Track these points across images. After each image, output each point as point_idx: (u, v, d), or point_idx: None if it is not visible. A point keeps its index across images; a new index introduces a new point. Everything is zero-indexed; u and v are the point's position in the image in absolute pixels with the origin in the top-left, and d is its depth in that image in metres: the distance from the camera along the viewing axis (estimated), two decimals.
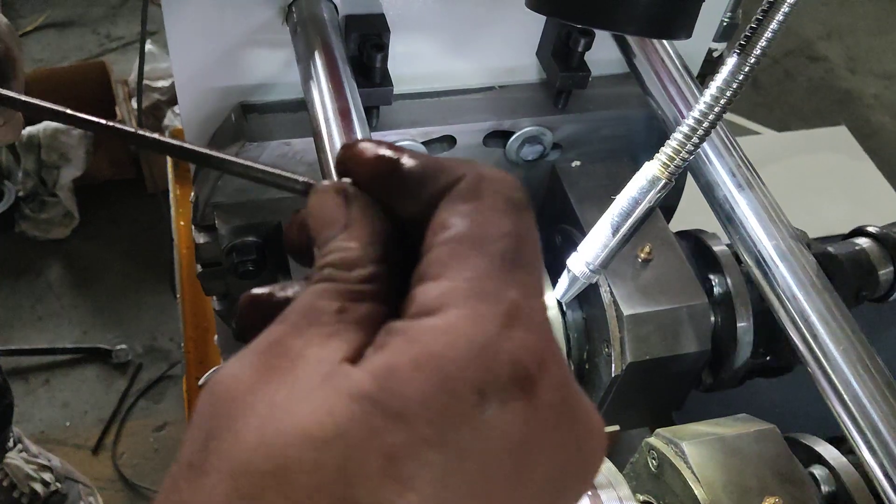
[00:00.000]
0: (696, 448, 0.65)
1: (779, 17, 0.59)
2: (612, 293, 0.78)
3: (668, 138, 0.66)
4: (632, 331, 0.77)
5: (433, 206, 0.29)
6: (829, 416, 0.65)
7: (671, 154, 0.65)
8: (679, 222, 0.97)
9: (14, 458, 1.59)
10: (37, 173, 2.18)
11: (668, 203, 0.97)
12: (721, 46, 1.07)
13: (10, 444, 1.58)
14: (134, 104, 2.06)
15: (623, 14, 0.65)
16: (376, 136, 0.84)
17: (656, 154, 0.67)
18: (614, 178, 0.89)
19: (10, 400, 1.48)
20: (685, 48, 0.87)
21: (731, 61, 0.62)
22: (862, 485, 0.68)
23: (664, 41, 0.87)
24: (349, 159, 0.32)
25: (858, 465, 0.67)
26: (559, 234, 0.88)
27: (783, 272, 0.70)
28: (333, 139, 0.69)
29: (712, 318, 0.82)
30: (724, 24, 1.05)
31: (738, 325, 0.81)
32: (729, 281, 0.82)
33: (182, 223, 1.42)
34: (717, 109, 0.63)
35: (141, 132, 0.34)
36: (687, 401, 0.88)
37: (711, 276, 0.84)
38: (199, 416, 0.26)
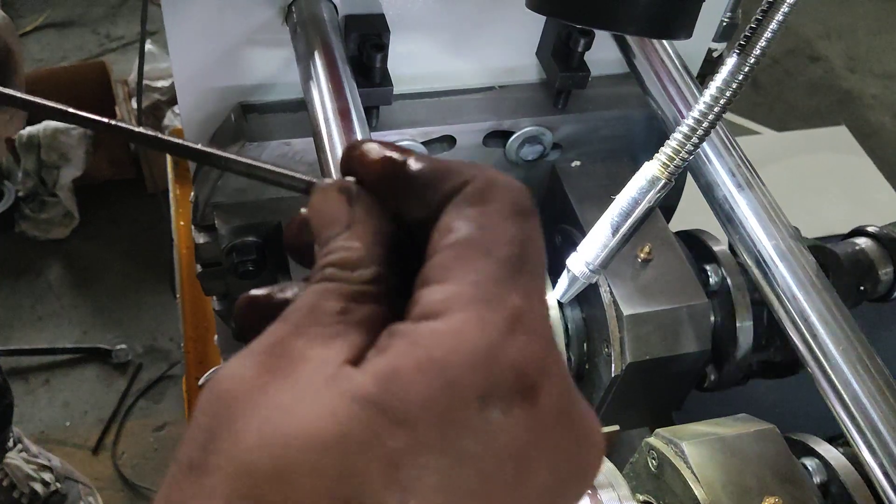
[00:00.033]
0: (695, 448, 0.65)
1: (778, 16, 0.59)
2: (611, 293, 0.78)
3: (668, 138, 0.66)
4: (632, 331, 0.77)
5: (439, 209, 0.29)
6: (829, 416, 0.65)
7: (671, 154, 0.65)
8: (679, 222, 0.97)
9: (14, 458, 1.59)
10: (37, 173, 2.18)
11: (668, 203, 0.97)
12: (721, 46, 1.07)
13: (10, 444, 1.58)
14: (134, 104, 2.06)
15: (623, 14, 0.65)
16: (376, 136, 0.84)
17: (656, 154, 0.67)
18: (614, 178, 0.89)
19: (10, 400, 1.48)
20: (685, 48, 0.87)
21: (730, 61, 0.62)
22: (862, 485, 0.68)
23: (664, 41, 0.87)
24: (354, 160, 0.32)
25: (858, 464, 0.67)
26: (559, 234, 0.88)
27: (783, 272, 0.70)
28: (333, 139, 0.69)
29: (712, 318, 0.82)
30: (724, 24, 1.05)
31: (737, 314, 0.81)
32: (724, 270, 0.83)
33: (182, 223, 1.42)
34: (716, 109, 0.63)
35: (144, 131, 0.34)
36: (687, 401, 0.88)
37: (707, 267, 0.84)
38: (200, 416, 0.26)
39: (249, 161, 0.34)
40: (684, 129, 0.65)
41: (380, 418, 0.24)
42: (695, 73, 0.99)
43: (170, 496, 0.25)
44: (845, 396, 0.63)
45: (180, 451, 0.26)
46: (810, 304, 0.68)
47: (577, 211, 0.87)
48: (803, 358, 0.67)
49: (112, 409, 1.93)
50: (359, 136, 0.69)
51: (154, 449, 1.89)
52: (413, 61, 0.88)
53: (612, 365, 0.77)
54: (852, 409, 0.62)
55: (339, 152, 0.68)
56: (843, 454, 0.70)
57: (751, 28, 0.60)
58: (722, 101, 0.62)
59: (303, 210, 0.33)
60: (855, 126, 2.40)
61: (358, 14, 0.82)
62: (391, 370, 0.25)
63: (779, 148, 2.17)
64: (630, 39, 0.89)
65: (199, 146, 0.34)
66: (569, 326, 0.83)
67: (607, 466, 0.68)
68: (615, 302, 0.78)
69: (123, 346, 2.03)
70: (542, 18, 0.89)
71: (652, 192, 0.67)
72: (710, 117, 0.63)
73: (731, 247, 0.83)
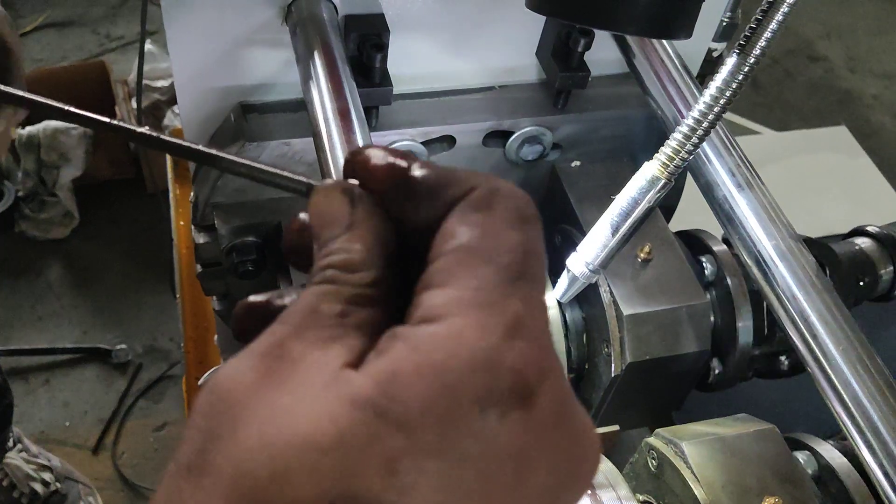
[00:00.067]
0: (695, 448, 0.65)
1: (778, 16, 0.59)
2: (611, 293, 0.78)
3: (668, 138, 0.66)
4: (631, 331, 0.77)
5: (442, 216, 0.29)
6: (829, 416, 0.65)
7: (671, 154, 0.65)
8: (679, 222, 0.97)
9: (14, 458, 1.59)
10: (36, 173, 2.18)
11: (667, 203, 0.97)
12: (721, 46, 1.07)
13: (10, 443, 1.58)
14: (134, 104, 2.06)
15: (623, 14, 0.65)
16: (376, 136, 0.84)
17: (656, 154, 0.67)
18: (614, 178, 0.89)
19: (10, 400, 1.48)
20: (685, 48, 0.87)
21: (730, 61, 0.62)
22: (862, 484, 0.68)
23: (664, 41, 0.87)
24: (357, 165, 0.31)
25: (858, 464, 0.67)
26: (559, 234, 0.88)
27: (783, 272, 0.70)
28: (333, 139, 0.69)
29: (711, 316, 0.82)
30: (724, 23, 1.05)
31: (735, 301, 0.81)
32: (718, 260, 0.83)
33: (182, 223, 1.42)
34: (716, 109, 0.63)
35: (144, 131, 0.34)
36: (687, 401, 0.88)
37: (703, 258, 0.84)
38: (199, 417, 0.26)
39: (250, 163, 0.34)
40: (684, 129, 0.65)
41: (378, 421, 0.24)
42: (695, 73, 0.99)
43: (168, 497, 0.25)
44: (845, 396, 0.63)
45: (179, 451, 0.26)
46: (810, 304, 0.68)
47: (576, 211, 0.87)
48: (803, 358, 0.67)
49: (112, 409, 1.93)
50: (358, 136, 0.69)
51: (154, 449, 1.89)
52: (413, 61, 0.88)
53: (612, 365, 0.77)
54: (852, 409, 0.62)
55: (339, 152, 0.68)
56: (841, 453, 0.70)
57: (751, 28, 0.60)
58: (722, 101, 0.62)
59: (302, 215, 0.33)
60: (855, 126, 2.40)
61: (358, 14, 0.82)
62: (390, 373, 0.25)
63: (779, 148, 2.17)
64: (630, 39, 0.89)
65: (199, 147, 0.34)
66: (569, 326, 0.83)
67: (607, 466, 0.68)
68: (615, 302, 0.78)
69: (123, 346, 2.03)
70: (542, 18, 0.89)
71: (652, 192, 0.67)
72: (710, 117, 0.63)
73: (725, 240, 0.83)
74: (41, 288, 2.16)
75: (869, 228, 0.91)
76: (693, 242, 0.87)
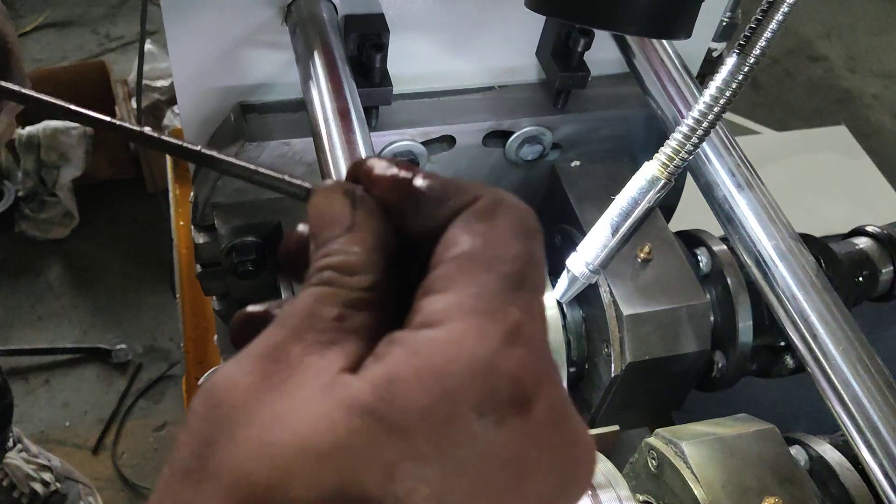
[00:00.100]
0: (695, 448, 0.65)
1: (778, 16, 0.59)
2: (611, 293, 0.78)
3: (668, 138, 0.66)
4: (631, 331, 0.77)
5: (445, 224, 0.29)
6: (829, 416, 0.65)
7: (671, 154, 0.65)
8: (679, 222, 0.97)
9: (14, 457, 1.59)
10: (36, 173, 2.18)
11: (667, 203, 0.97)
12: (720, 46, 1.07)
13: (10, 443, 1.58)
14: (134, 104, 2.06)
15: (623, 14, 0.65)
16: (376, 136, 0.84)
17: (656, 154, 0.67)
18: (614, 178, 0.89)
19: (10, 400, 1.48)
20: (685, 48, 0.87)
21: (730, 61, 0.62)
22: (861, 485, 0.68)
23: (664, 41, 0.87)
24: (360, 175, 0.31)
25: (858, 464, 0.67)
26: (559, 234, 0.88)
27: (783, 272, 0.70)
28: (333, 139, 0.69)
29: (711, 319, 0.82)
30: (724, 23, 1.05)
31: (732, 290, 0.82)
32: (712, 251, 0.83)
33: (182, 223, 1.42)
34: (716, 109, 0.63)
35: (145, 131, 0.34)
36: (687, 401, 0.88)
37: (697, 251, 0.84)
38: (195, 421, 0.26)
39: (250, 166, 0.33)
40: (684, 129, 0.65)
41: (376, 427, 0.24)
42: (695, 72, 0.99)
43: (164, 502, 0.25)
44: (845, 396, 0.63)
45: (175, 455, 0.25)
46: (810, 304, 0.68)
47: (576, 211, 0.87)
48: (803, 358, 0.67)
49: (112, 409, 1.93)
50: (358, 136, 0.69)
51: (154, 449, 1.89)
52: (413, 61, 0.88)
53: (612, 365, 0.77)
54: (852, 409, 0.62)
55: (339, 152, 0.68)
56: (841, 452, 0.70)
57: (751, 28, 0.60)
58: (722, 101, 0.62)
59: (301, 227, 0.33)
60: (855, 126, 2.40)
61: (357, 14, 0.82)
62: (389, 378, 0.25)
63: (779, 148, 2.17)
64: (630, 39, 0.89)
65: (199, 148, 0.34)
66: (569, 326, 0.83)
67: (607, 466, 0.68)
68: (615, 302, 0.78)
69: (123, 346, 2.03)
70: (542, 18, 0.89)
71: (652, 192, 0.67)
72: (709, 117, 0.63)
73: (724, 239, 0.83)
74: (41, 288, 2.16)
75: (869, 228, 0.91)
76: (692, 242, 0.87)
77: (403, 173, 0.31)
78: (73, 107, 0.34)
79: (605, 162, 0.94)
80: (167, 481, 0.25)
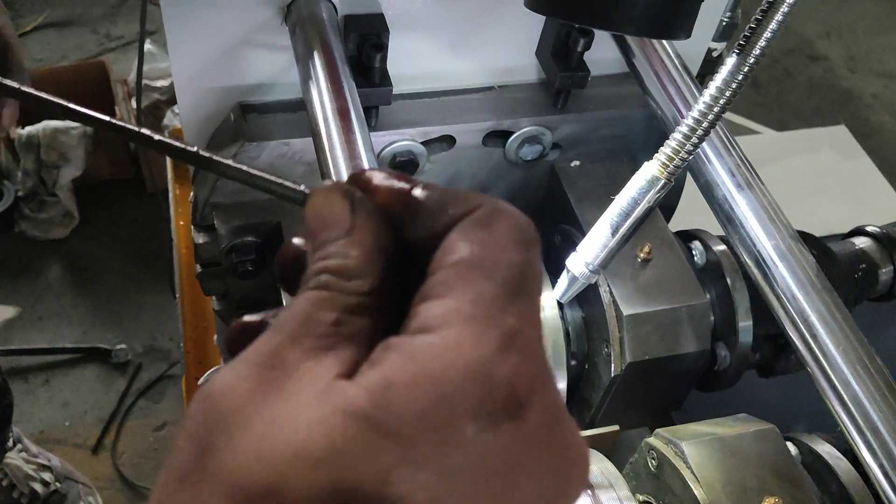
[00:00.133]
0: (695, 448, 0.65)
1: (778, 16, 0.59)
2: (611, 293, 0.78)
3: (668, 138, 0.66)
4: (631, 331, 0.77)
5: (444, 233, 0.29)
6: (829, 416, 0.65)
7: (670, 154, 0.65)
8: (679, 222, 0.97)
9: (14, 457, 1.59)
10: (36, 173, 2.18)
11: (667, 203, 0.97)
12: (720, 46, 1.07)
13: (10, 443, 1.58)
14: (133, 104, 2.06)
15: (622, 14, 0.65)
16: (375, 135, 0.84)
17: (655, 154, 0.66)
18: (614, 178, 0.89)
19: (9, 400, 1.48)
20: (684, 48, 0.87)
21: (730, 61, 0.62)
22: (861, 484, 0.68)
23: (664, 41, 0.87)
24: (360, 186, 0.31)
25: (858, 464, 0.67)
26: (558, 234, 0.88)
27: (783, 272, 0.70)
28: (332, 139, 0.69)
29: (711, 318, 0.82)
30: (724, 23, 1.05)
31: (728, 279, 0.82)
32: (705, 243, 0.84)
33: (181, 223, 1.42)
34: (716, 109, 0.63)
35: (145, 132, 0.34)
36: (687, 401, 0.88)
37: (690, 245, 0.84)
38: (193, 426, 0.26)
39: (249, 170, 0.34)
40: (684, 128, 0.64)
41: (371, 432, 0.24)
42: (694, 72, 0.99)
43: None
44: (845, 396, 0.63)
45: (172, 459, 0.26)
46: (810, 304, 0.68)
47: (576, 211, 0.87)
48: (803, 358, 0.67)
49: (112, 409, 1.93)
50: (358, 136, 0.69)
51: (154, 449, 1.89)
52: (412, 61, 0.88)
53: (612, 365, 0.77)
54: (852, 409, 0.62)
55: (339, 152, 0.68)
56: (841, 452, 0.70)
57: (750, 28, 0.60)
58: (722, 101, 0.62)
59: (296, 240, 0.33)
60: (855, 126, 2.40)
61: (357, 14, 0.82)
62: (385, 383, 0.25)
63: (779, 148, 2.17)
64: (630, 39, 0.89)
65: (199, 151, 0.34)
66: (569, 326, 0.83)
67: (607, 466, 0.68)
68: (615, 302, 0.78)
69: (123, 345, 2.03)
70: (542, 18, 0.89)
71: (651, 192, 0.67)
72: (709, 117, 0.63)
73: (726, 241, 0.83)
74: (41, 288, 2.16)
75: (869, 228, 0.91)
76: (686, 238, 0.87)
77: (403, 183, 0.31)
78: (73, 106, 0.34)
79: (604, 162, 0.94)
80: (165, 484, 0.26)
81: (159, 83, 2.24)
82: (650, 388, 0.83)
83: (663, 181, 0.66)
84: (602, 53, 0.91)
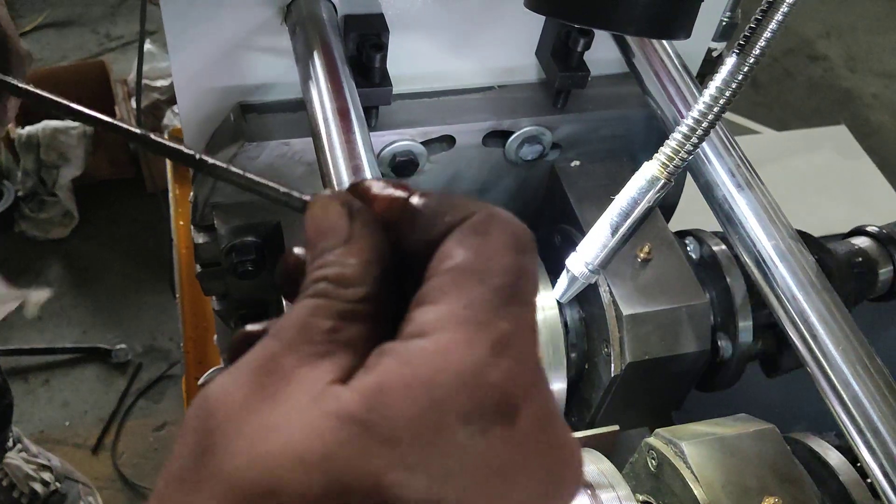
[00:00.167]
0: (695, 448, 0.65)
1: (778, 16, 0.59)
2: (611, 293, 0.78)
3: (668, 138, 0.66)
4: (631, 331, 0.77)
5: (440, 239, 0.30)
6: (829, 416, 0.65)
7: (670, 154, 0.65)
8: (679, 222, 0.97)
9: (14, 457, 1.59)
10: (36, 173, 2.18)
11: (667, 203, 0.97)
12: (720, 46, 1.07)
13: (10, 443, 1.58)
14: (133, 104, 2.06)
15: (622, 14, 0.65)
16: (375, 135, 0.84)
17: (655, 154, 0.66)
18: (614, 177, 0.89)
19: (9, 400, 1.48)
20: (684, 48, 0.87)
21: (730, 61, 0.62)
22: (861, 485, 0.68)
23: (664, 41, 0.87)
24: (359, 195, 0.32)
25: (857, 464, 0.67)
26: (558, 234, 0.87)
27: (783, 272, 0.70)
28: (332, 139, 0.69)
29: (711, 319, 0.82)
30: (724, 23, 1.05)
31: (725, 271, 0.82)
32: (699, 238, 0.84)
33: (181, 223, 1.42)
34: (716, 109, 0.63)
35: (145, 133, 0.34)
36: (687, 401, 0.88)
37: (685, 241, 0.85)
38: (190, 430, 0.26)
39: (249, 175, 0.34)
40: (684, 128, 0.64)
41: (364, 436, 0.24)
42: (694, 72, 0.99)
43: None
44: (845, 397, 0.63)
45: (170, 463, 0.26)
46: (810, 304, 0.68)
47: (576, 211, 0.87)
48: (803, 358, 0.67)
49: (112, 409, 1.93)
50: (358, 136, 0.69)
51: (154, 449, 1.89)
52: (412, 61, 0.88)
53: (612, 365, 0.77)
54: (852, 409, 0.62)
55: (339, 152, 0.68)
56: (841, 452, 0.70)
57: (750, 28, 0.60)
58: (721, 101, 0.62)
59: (296, 249, 0.33)
60: (855, 126, 2.40)
61: (357, 14, 0.82)
62: (378, 388, 0.25)
63: (779, 148, 2.17)
64: (629, 39, 0.89)
65: (198, 154, 0.34)
66: (569, 326, 0.83)
67: (607, 466, 0.68)
68: (615, 302, 0.78)
69: (123, 345, 2.03)
70: (542, 18, 0.89)
71: (651, 192, 0.67)
72: (709, 117, 0.63)
73: (725, 238, 0.83)
74: (41, 288, 2.16)
75: (869, 228, 0.91)
76: (681, 235, 0.88)
77: (400, 192, 0.31)
78: (73, 105, 0.34)
79: (604, 162, 0.94)
80: (162, 488, 0.26)
81: (159, 83, 2.24)
82: (650, 388, 0.83)
83: (663, 181, 0.66)
84: (602, 53, 0.91)
